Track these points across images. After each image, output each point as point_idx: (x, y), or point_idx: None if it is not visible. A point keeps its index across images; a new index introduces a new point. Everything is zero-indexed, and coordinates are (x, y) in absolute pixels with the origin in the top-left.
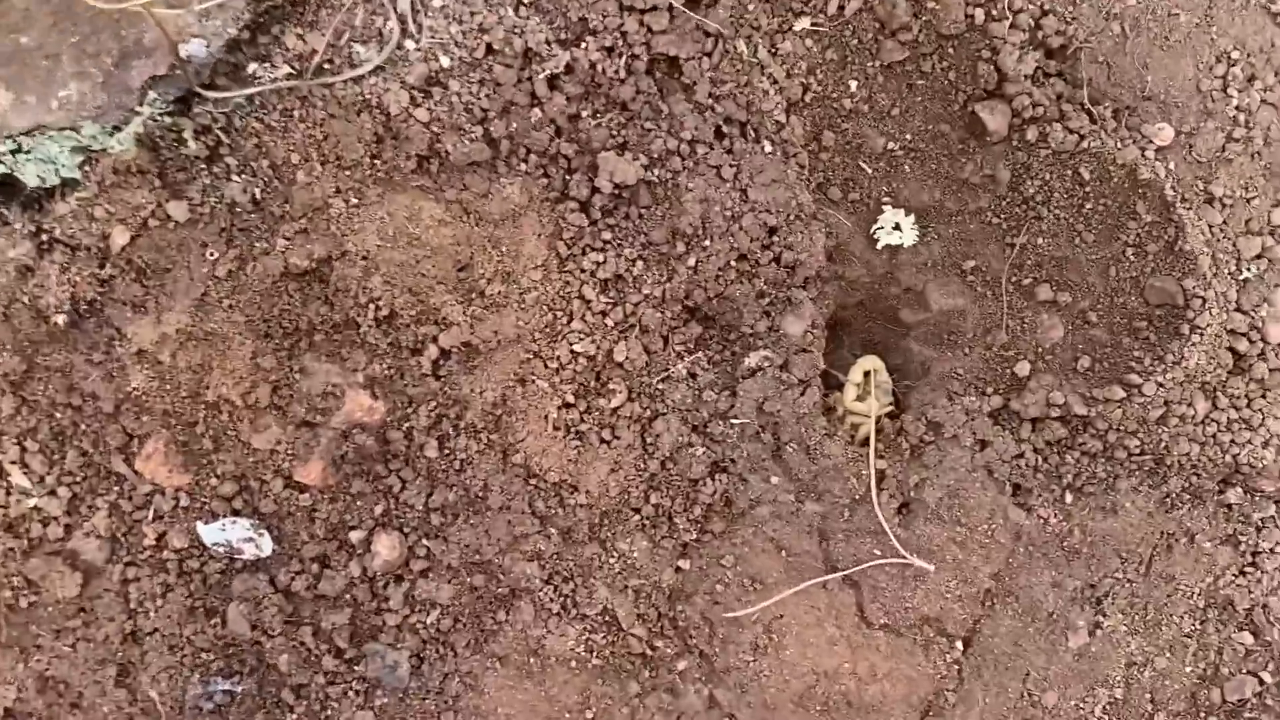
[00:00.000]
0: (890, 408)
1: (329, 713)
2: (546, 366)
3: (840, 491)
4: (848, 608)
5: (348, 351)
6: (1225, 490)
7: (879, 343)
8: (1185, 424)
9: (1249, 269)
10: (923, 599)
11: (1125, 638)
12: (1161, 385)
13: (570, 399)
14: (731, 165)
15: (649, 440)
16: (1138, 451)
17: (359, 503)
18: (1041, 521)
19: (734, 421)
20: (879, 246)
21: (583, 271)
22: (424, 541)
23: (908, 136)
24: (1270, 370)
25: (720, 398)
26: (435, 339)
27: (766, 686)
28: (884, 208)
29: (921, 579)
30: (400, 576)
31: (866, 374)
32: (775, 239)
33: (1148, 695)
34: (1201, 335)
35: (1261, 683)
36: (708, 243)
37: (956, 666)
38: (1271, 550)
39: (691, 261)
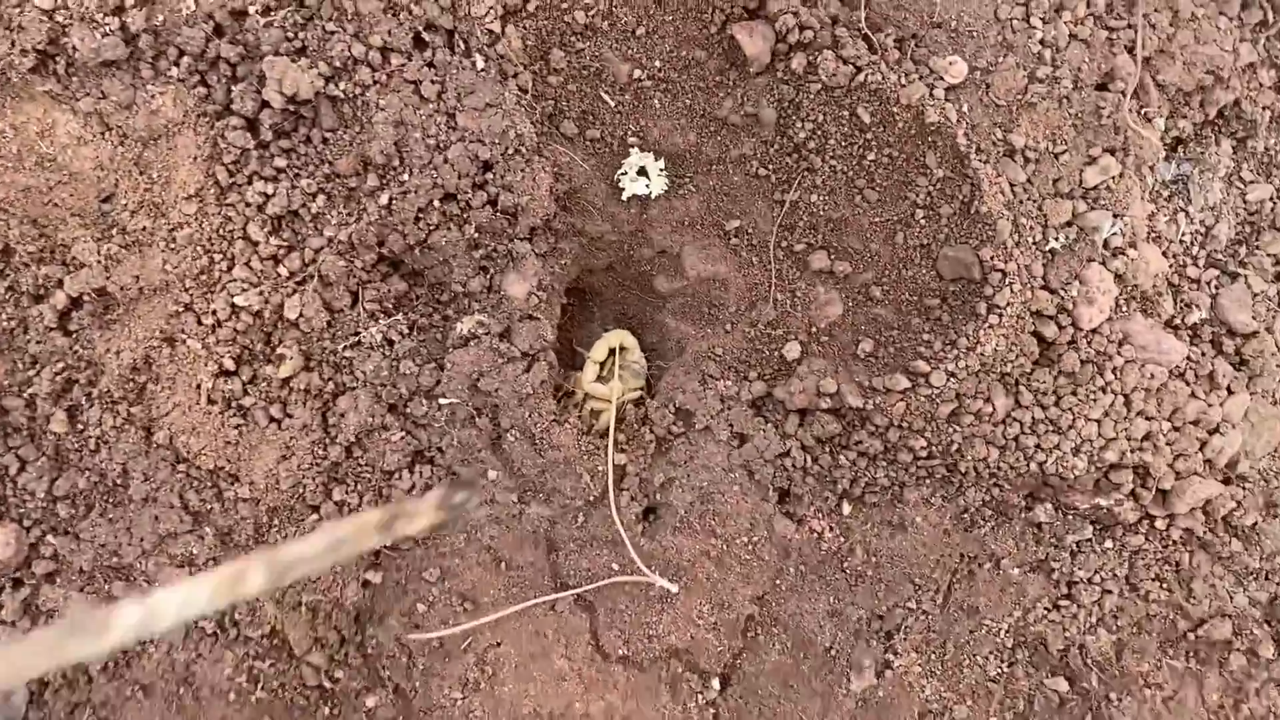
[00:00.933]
0: (640, 393)
1: None
2: (200, 323)
3: (572, 491)
4: (580, 635)
5: None
6: (1033, 506)
7: (633, 316)
8: (981, 423)
9: (1057, 238)
10: (670, 626)
11: (919, 680)
12: (953, 375)
13: (230, 365)
14: (434, 82)
15: (331, 421)
16: (924, 454)
17: None
18: (814, 536)
19: (441, 401)
20: (625, 197)
21: (248, 205)
22: (49, 538)
23: (656, 63)
24: (1082, 361)
25: (424, 371)
26: (61, 283)
27: None
28: (630, 150)
29: (668, 602)
30: (19, 580)
31: (613, 351)
32: (490, 177)
33: None
34: (1001, 316)
35: None
36: (406, 177)
37: (712, 711)
38: (1088, 580)
39: (385, 199)
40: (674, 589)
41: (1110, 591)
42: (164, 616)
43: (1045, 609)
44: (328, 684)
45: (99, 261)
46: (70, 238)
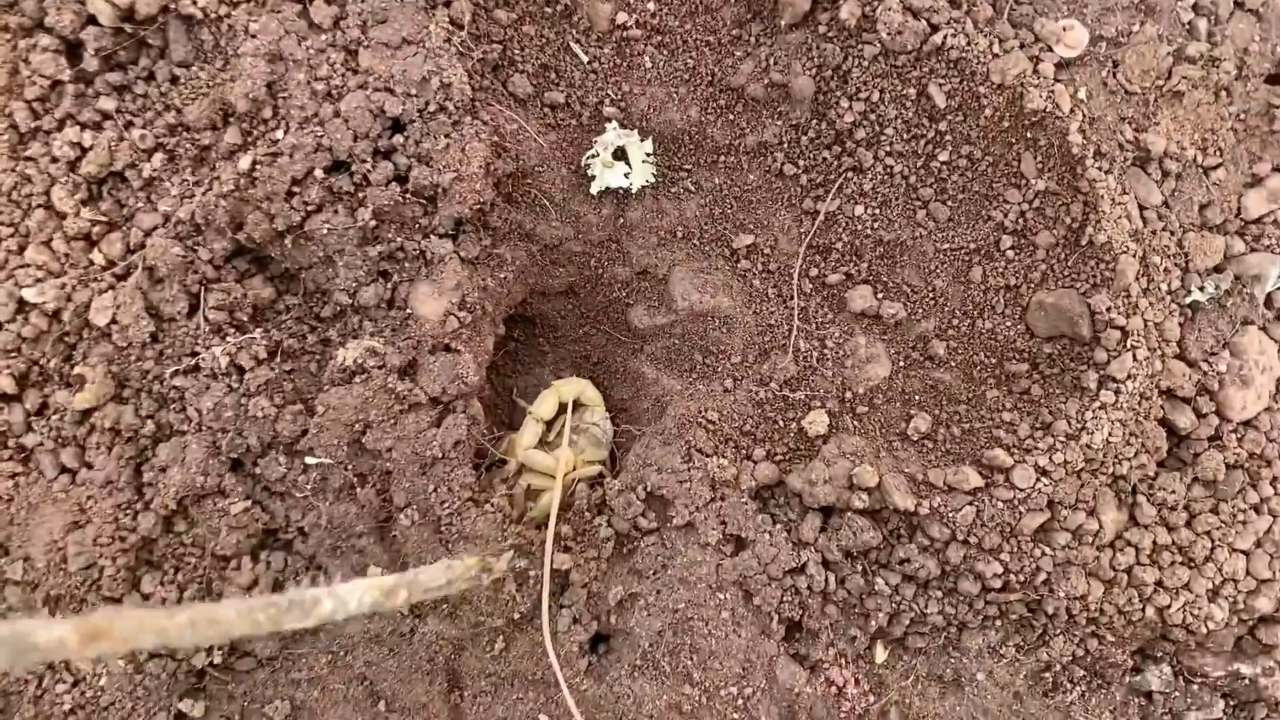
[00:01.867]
0: (599, 469)
1: None
2: None
3: (489, 605)
4: None
5: None
6: (1143, 668)
7: (599, 361)
8: (1081, 545)
9: (1202, 288)
10: None
11: None
12: (1045, 473)
13: (7, 386)
14: (330, 2)
15: (146, 477)
16: (997, 585)
17: None
18: (833, 690)
19: (309, 460)
20: (595, 190)
21: (54, 161)
22: None
23: (650, 4)
24: (1229, 466)
25: (284, 415)
26: None
27: None
28: (606, 125)
29: None
30: None
31: (565, 408)
32: (401, 142)
33: None
34: (1117, 394)
35: None
36: (280, 134)
37: None
38: None
39: (246, 163)
40: None
41: None
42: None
43: None
44: None
45: None
46: None
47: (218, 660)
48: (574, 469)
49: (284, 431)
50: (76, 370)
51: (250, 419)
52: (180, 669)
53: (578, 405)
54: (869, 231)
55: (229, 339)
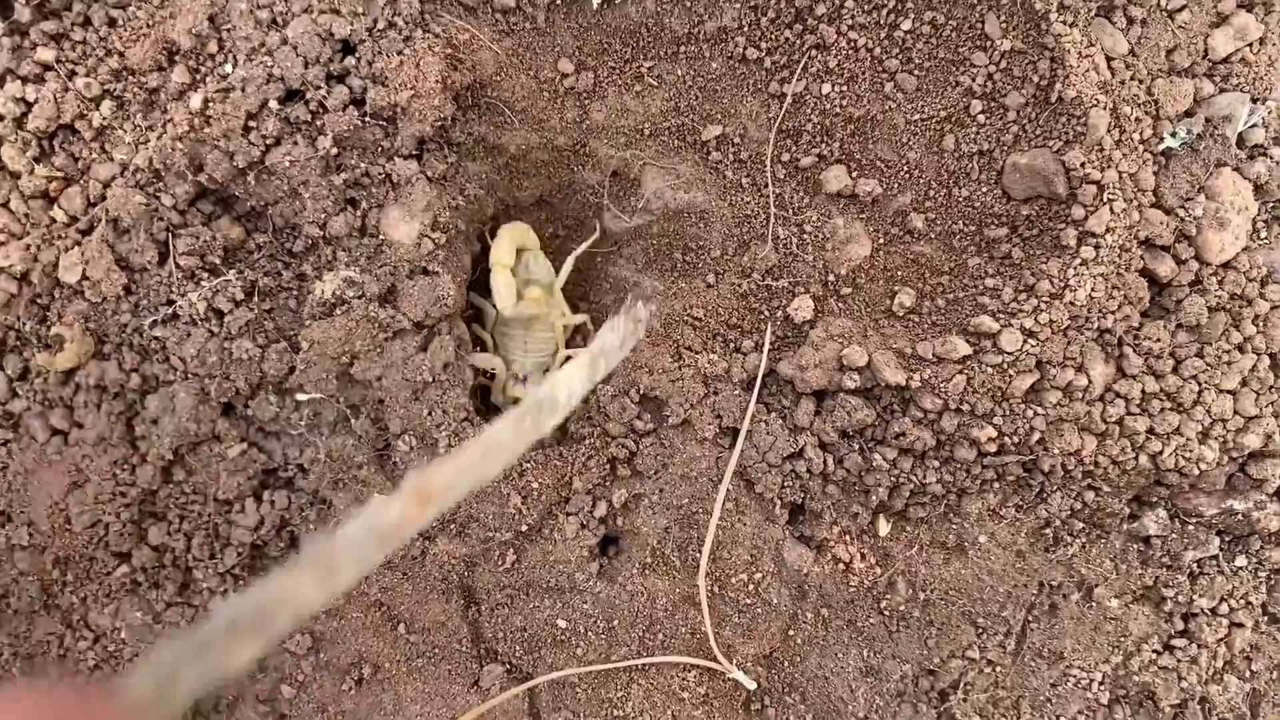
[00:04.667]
0: (585, 319)
1: None
2: None
3: (496, 520)
4: None
5: None
6: (1140, 514)
7: (576, 270)
8: (1072, 401)
9: (1173, 134)
10: (643, 704)
11: None
12: (1031, 335)
13: None
14: None
15: (139, 430)
16: (992, 449)
17: None
18: (840, 567)
19: (299, 397)
20: (560, 90)
21: (1, 119)
22: None
23: None
24: (1211, 309)
25: (271, 354)
26: None
27: None
28: None
29: (638, 672)
30: None
31: (520, 251)
32: (353, 64)
33: None
34: (1097, 248)
35: None
36: (228, 69)
37: None
38: (1212, 611)
39: (198, 102)
40: (751, 685)
41: (1242, 625)
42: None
43: (1154, 651)
44: None
45: None
46: None
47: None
48: (565, 319)
49: (271, 371)
50: (54, 331)
51: (235, 362)
52: (198, 615)
53: (520, 252)
54: (838, 110)
55: (204, 284)
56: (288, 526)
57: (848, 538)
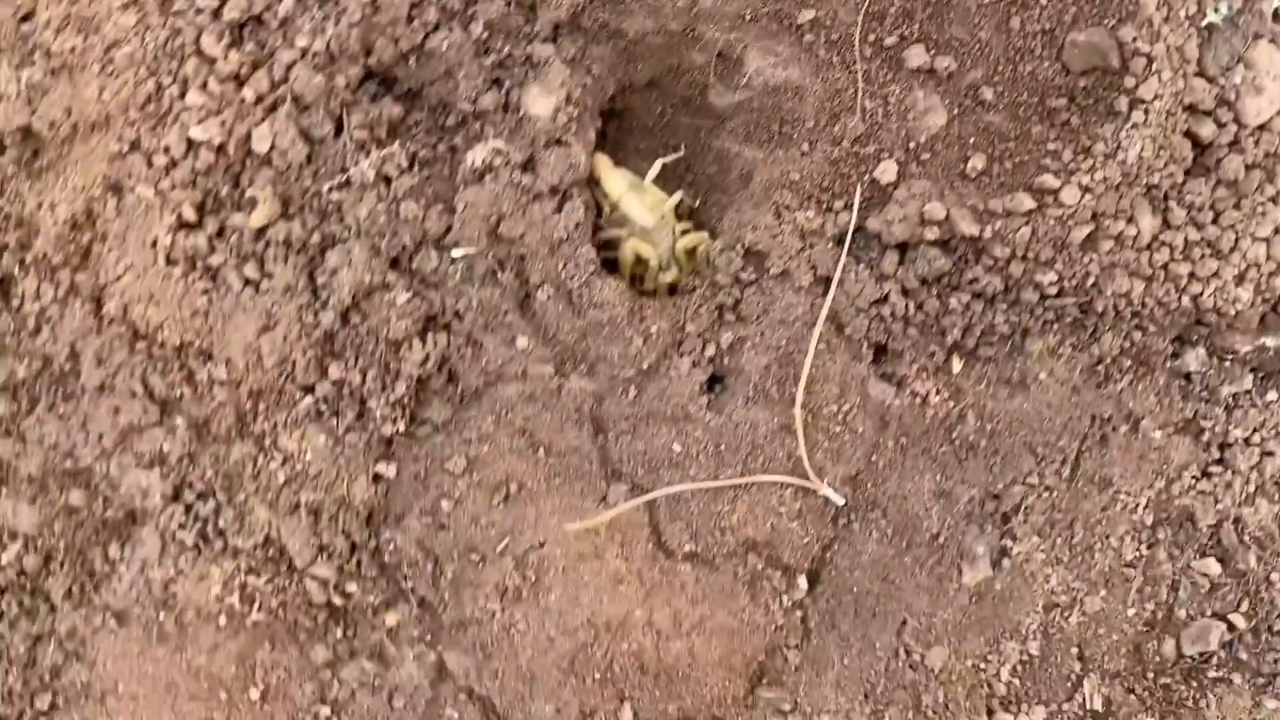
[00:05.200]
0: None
1: None
2: (151, 164)
3: (620, 359)
4: (637, 530)
5: None
6: (1181, 352)
7: (685, 142)
8: (1123, 248)
9: (1215, 9)
10: (746, 516)
11: (1043, 569)
12: (1088, 190)
13: (190, 215)
14: None
15: (320, 281)
16: (1053, 291)
17: None
18: (917, 401)
19: (455, 253)
20: None
21: (199, 12)
22: None
23: None
24: (1247, 167)
25: (430, 214)
26: None
27: (521, 648)
28: None
29: (742, 488)
30: None
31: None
32: None
33: (1074, 649)
34: (1146, 113)
35: (1232, 628)
36: None
37: (799, 613)
38: (1246, 441)
39: None
40: (840, 501)
41: (1272, 454)
42: None
43: (1193, 478)
44: (338, 600)
45: (20, 93)
46: None
47: (403, 429)
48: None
49: (431, 229)
50: (248, 194)
51: (402, 221)
52: (373, 438)
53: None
54: None
55: (373, 154)
56: (447, 363)
57: (925, 375)
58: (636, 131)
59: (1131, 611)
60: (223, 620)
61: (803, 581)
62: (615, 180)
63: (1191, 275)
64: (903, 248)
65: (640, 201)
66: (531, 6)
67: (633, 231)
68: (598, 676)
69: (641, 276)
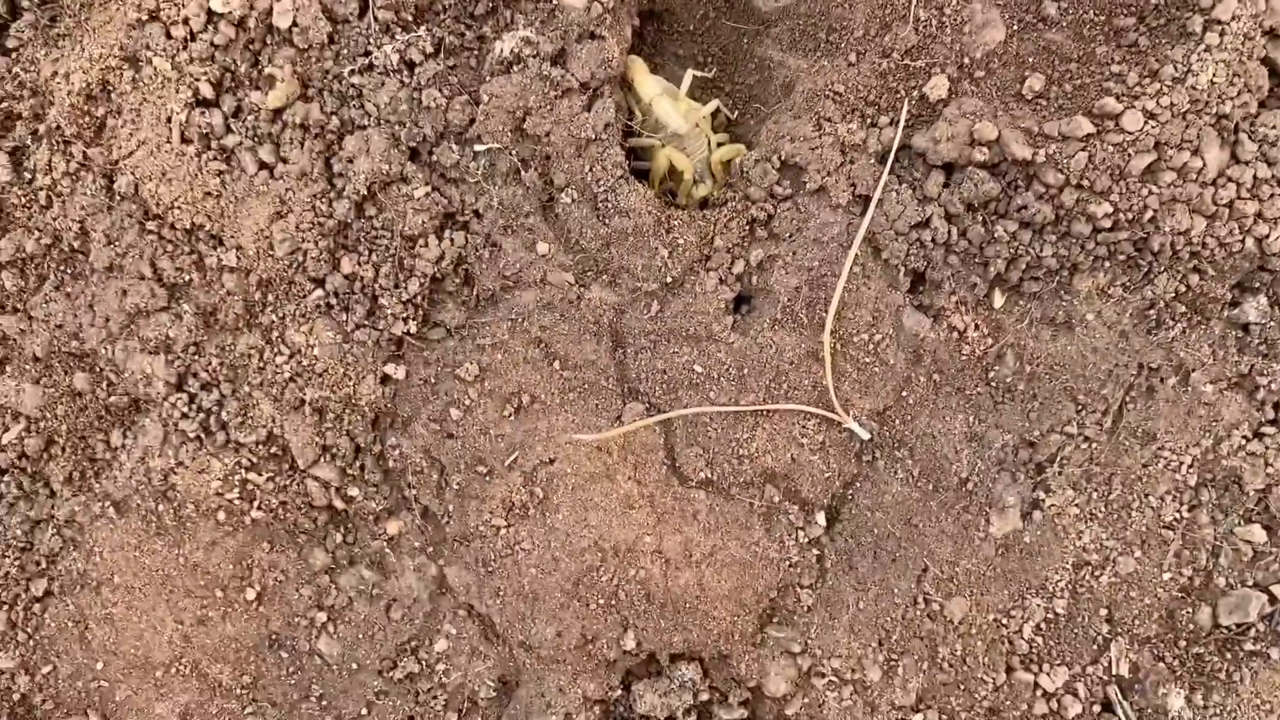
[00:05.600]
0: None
1: None
2: (169, 36)
3: (644, 271)
4: (652, 453)
5: None
6: (1240, 300)
7: (724, 48)
8: (1185, 182)
9: None
10: (766, 445)
11: (1075, 524)
12: (1152, 116)
13: (207, 91)
14: None
15: (336, 168)
16: (1107, 225)
17: None
18: (954, 335)
19: (477, 148)
20: None
21: None
22: None
23: None
24: None
25: (453, 105)
26: None
27: (524, 566)
28: None
29: (762, 415)
30: None
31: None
32: None
33: (1103, 610)
34: (1221, 36)
35: (1273, 600)
36: None
37: (815, 551)
38: None
39: None
40: (866, 435)
41: None
42: None
43: (1243, 438)
44: (339, 503)
45: None
46: None
47: (413, 329)
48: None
49: (454, 120)
50: (266, 72)
51: (424, 110)
52: (383, 337)
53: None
54: None
55: (397, 37)
56: (464, 264)
57: (964, 308)
58: (675, 34)
59: (1167, 575)
60: (221, 516)
61: (821, 518)
62: (649, 83)
63: (1258, 215)
64: (949, 169)
65: (674, 108)
66: None
67: (666, 140)
68: (602, 602)
69: (673, 190)
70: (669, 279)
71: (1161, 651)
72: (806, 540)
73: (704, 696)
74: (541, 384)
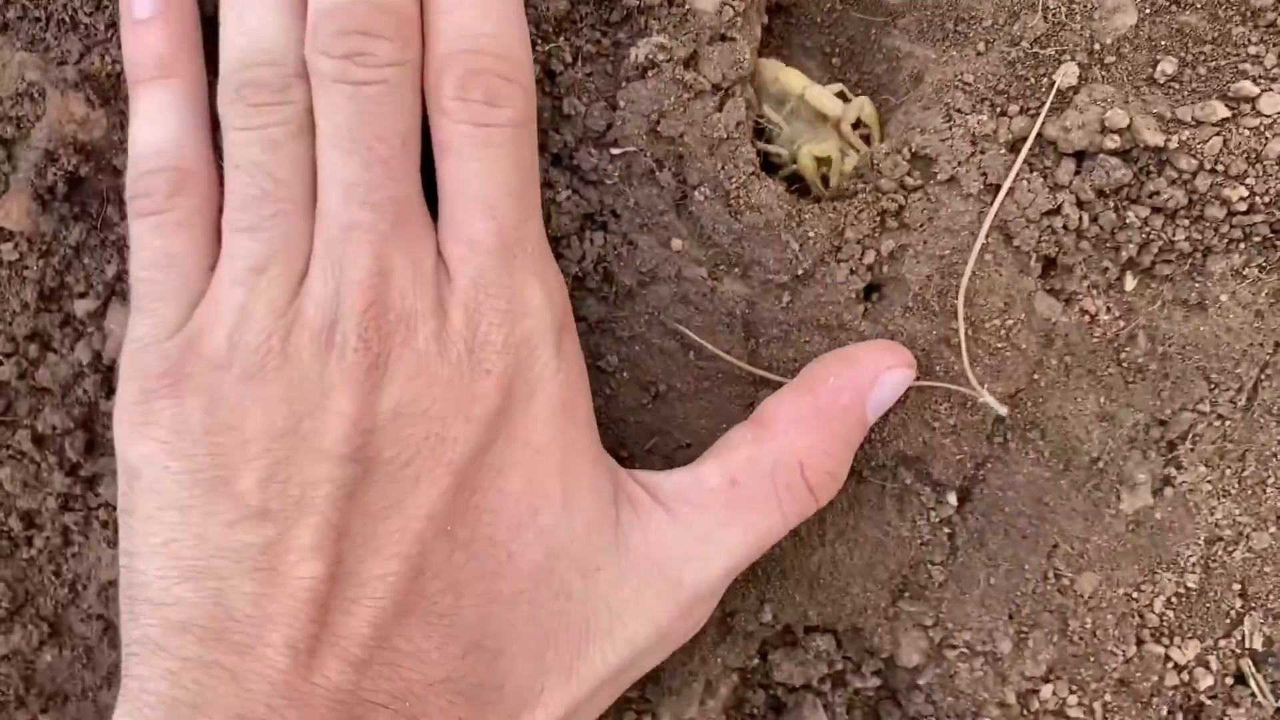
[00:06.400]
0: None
1: (74, 548)
2: None
3: (776, 264)
4: None
5: (55, 36)
6: None
7: (852, 40)
8: None
9: None
10: (898, 429)
11: (1208, 501)
12: None
13: None
14: None
15: None
16: (1242, 209)
17: (85, 260)
18: (1086, 319)
19: (614, 151)
20: None
21: None
22: None
23: None
24: None
25: (593, 111)
26: None
27: None
28: None
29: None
30: None
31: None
32: None
33: (1236, 586)
34: None
35: None
36: None
37: (947, 530)
38: None
39: None
40: (1002, 410)
41: None
42: None
43: None
44: None
45: None
46: None
47: None
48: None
49: (592, 126)
50: None
51: (564, 118)
52: None
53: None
54: None
55: (538, 47)
56: (603, 262)
57: (1095, 291)
58: (803, 27)
59: None
60: None
61: (952, 498)
62: (794, 76)
63: None
64: (1079, 156)
65: (826, 91)
66: None
67: (801, 140)
68: (740, 577)
69: (826, 176)
70: (800, 271)
71: None
72: (938, 520)
73: (838, 666)
74: (677, 373)
